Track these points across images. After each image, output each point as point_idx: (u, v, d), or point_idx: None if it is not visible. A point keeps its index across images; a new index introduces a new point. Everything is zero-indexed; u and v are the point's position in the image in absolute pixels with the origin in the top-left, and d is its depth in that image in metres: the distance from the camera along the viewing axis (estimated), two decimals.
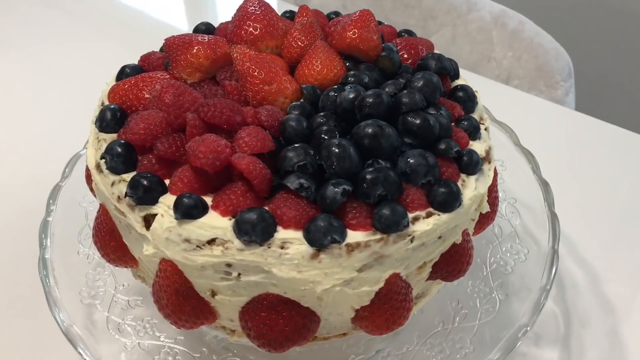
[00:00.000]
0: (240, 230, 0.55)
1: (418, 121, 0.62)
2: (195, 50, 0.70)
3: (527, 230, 0.81)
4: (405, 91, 0.64)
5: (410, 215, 0.58)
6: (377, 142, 0.59)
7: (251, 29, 0.74)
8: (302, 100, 0.68)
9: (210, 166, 0.57)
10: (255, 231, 0.55)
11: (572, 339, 0.79)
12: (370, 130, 0.60)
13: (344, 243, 0.55)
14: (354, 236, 0.56)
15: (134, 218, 0.60)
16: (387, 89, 0.67)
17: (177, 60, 0.71)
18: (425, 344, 0.68)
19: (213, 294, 0.60)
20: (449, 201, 0.59)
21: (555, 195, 0.78)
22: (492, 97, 1.08)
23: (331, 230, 0.55)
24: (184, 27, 1.52)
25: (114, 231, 0.65)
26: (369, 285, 0.58)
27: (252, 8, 0.76)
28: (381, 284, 0.58)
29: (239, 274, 0.57)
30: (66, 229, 0.77)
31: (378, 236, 0.56)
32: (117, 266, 0.68)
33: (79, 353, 0.65)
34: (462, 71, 1.16)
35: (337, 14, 0.86)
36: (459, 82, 0.76)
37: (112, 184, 0.62)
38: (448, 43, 1.37)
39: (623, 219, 0.96)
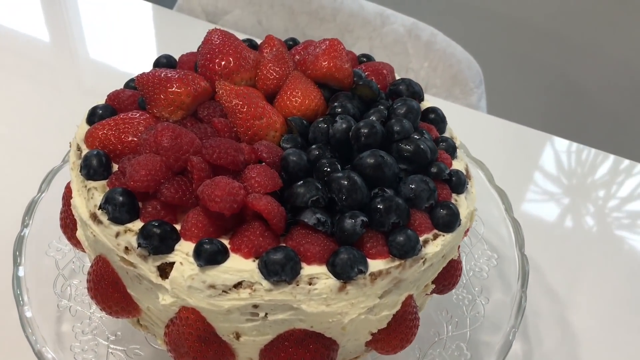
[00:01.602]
0: (269, 271, 0.56)
1: (412, 148, 0.65)
2: (175, 88, 0.69)
3: (491, 237, 0.87)
4: (393, 120, 0.68)
5: (421, 239, 0.61)
6: (380, 171, 0.62)
7: (224, 62, 0.74)
8: (290, 132, 0.70)
9: (228, 210, 0.57)
10: (284, 271, 0.56)
11: (528, 328, 0.87)
12: (372, 161, 0.62)
13: (368, 273, 0.58)
14: (374, 265, 0.59)
15: (148, 268, 0.58)
16: (374, 117, 0.70)
17: (156, 99, 0.69)
18: (427, 356, 0.72)
19: (237, 336, 0.60)
20: (452, 221, 0.63)
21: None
22: None
23: (356, 262, 0.57)
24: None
25: (118, 283, 0.63)
26: (388, 310, 0.61)
27: (218, 40, 0.76)
28: (398, 307, 0.62)
29: (266, 314, 0.58)
30: (39, 281, 0.72)
31: (397, 263, 0.59)
32: (117, 317, 0.65)
33: None
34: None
35: (294, 40, 0.88)
36: (426, 104, 0.80)
37: (117, 234, 0.59)
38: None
39: (541, 206, 1.07)
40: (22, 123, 1.14)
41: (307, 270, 0.57)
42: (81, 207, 0.64)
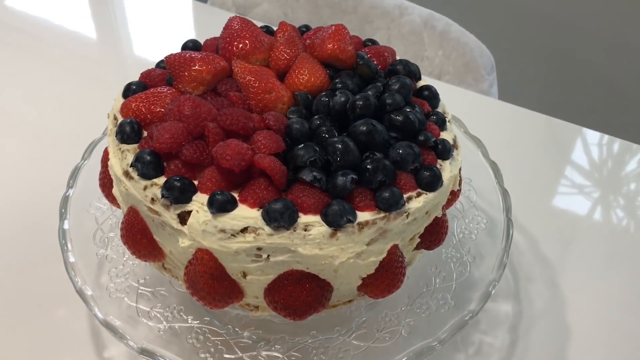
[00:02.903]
0: (270, 218, 0.65)
1: (401, 118, 0.74)
2: (197, 66, 0.79)
3: (483, 205, 0.96)
4: (387, 93, 0.77)
5: (405, 196, 0.70)
6: (371, 137, 0.72)
7: (242, 45, 0.84)
8: (296, 105, 0.79)
9: (237, 166, 0.67)
10: (283, 218, 0.65)
11: (520, 293, 0.95)
12: (365, 128, 0.72)
13: (356, 222, 0.67)
14: (362, 216, 0.68)
15: (170, 216, 0.69)
16: (370, 92, 0.79)
17: (181, 76, 0.80)
18: (414, 304, 0.81)
19: (244, 275, 0.70)
20: (434, 182, 0.72)
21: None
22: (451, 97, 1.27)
23: (345, 213, 0.66)
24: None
25: (145, 230, 0.74)
26: (375, 256, 0.70)
27: (237, 26, 0.86)
28: (384, 254, 0.71)
29: (268, 256, 0.68)
30: (81, 234, 0.84)
31: (382, 215, 0.68)
32: (146, 261, 0.76)
33: (124, 342, 0.73)
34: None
35: (307, 27, 0.97)
36: (421, 83, 0.89)
37: (145, 188, 0.70)
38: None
39: (548, 186, 1.14)
40: (68, 109, 1.28)
41: (304, 219, 0.67)
42: (116, 166, 0.74)
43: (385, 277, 0.72)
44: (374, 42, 0.95)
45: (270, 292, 0.71)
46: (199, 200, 0.68)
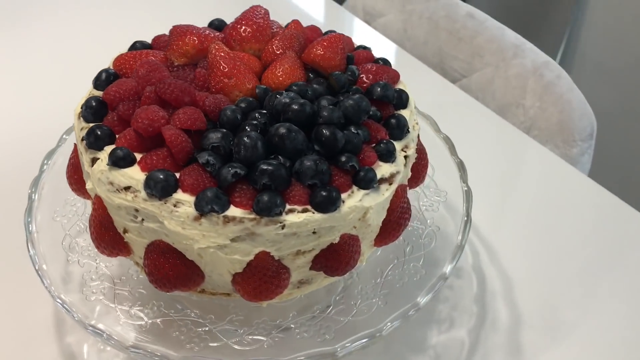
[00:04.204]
0: (147, 184, 0.69)
1: (327, 133, 0.72)
2: (187, 39, 0.85)
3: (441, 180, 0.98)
4: (330, 106, 0.75)
5: (288, 207, 0.69)
6: (282, 141, 0.71)
7: (241, 31, 0.87)
8: (252, 98, 0.80)
9: (144, 130, 0.71)
10: (156, 187, 0.68)
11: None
12: (280, 131, 0.71)
13: (222, 214, 0.67)
14: (233, 211, 0.68)
15: (85, 158, 0.75)
16: (322, 102, 0.78)
17: (172, 44, 0.85)
18: (388, 276, 0.85)
19: (125, 231, 0.74)
20: (324, 203, 0.69)
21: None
22: (514, 144, 1.25)
23: (213, 202, 0.67)
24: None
25: (78, 167, 0.81)
26: (240, 255, 0.70)
27: (252, 14, 0.89)
28: (251, 257, 0.70)
29: (143, 220, 0.71)
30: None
31: (252, 216, 0.68)
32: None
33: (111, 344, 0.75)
34: (490, 112, 1.25)
35: (332, 31, 0.97)
36: (405, 113, 0.84)
37: (81, 129, 0.78)
38: (486, 82, 1.42)
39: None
40: None
41: (180, 195, 0.69)
42: (79, 105, 0.82)
43: (252, 281, 0.71)
44: (385, 61, 0.92)
45: (145, 255, 0.74)
46: (107, 152, 0.73)
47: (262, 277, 0.71)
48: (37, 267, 0.80)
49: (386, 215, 0.78)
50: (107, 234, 0.75)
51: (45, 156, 0.95)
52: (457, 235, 0.85)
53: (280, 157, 0.71)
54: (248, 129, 0.73)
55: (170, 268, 0.72)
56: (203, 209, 0.67)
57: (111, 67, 0.87)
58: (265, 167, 0.68)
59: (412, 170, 0.85)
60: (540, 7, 2.03)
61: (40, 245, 0.83)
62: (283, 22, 0.96)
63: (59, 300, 0.76)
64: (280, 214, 0.68)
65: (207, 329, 0.81)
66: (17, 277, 0.91)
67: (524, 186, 1.16)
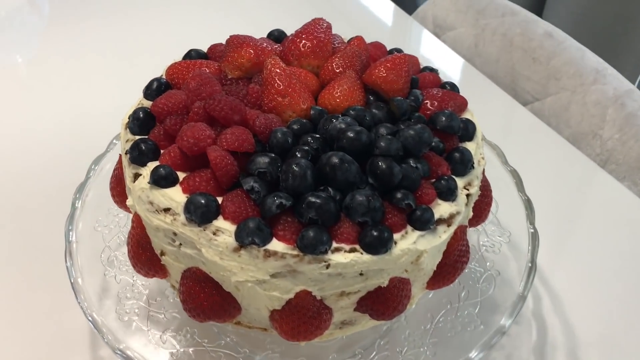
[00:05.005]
0: (187, 208, 0.64)
1: (383, 166, 0.66)
2: (242, 52, 0.80)
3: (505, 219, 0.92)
4: (388, 136, 0.69)
5: (335, 245, 0.63)
6: (334, 172, 0.65)
7: (300, 46, 0.82)
8: (306, 119, 0.75)
9: (188, 149, 0.67)
10: (196, 213, 0.64)
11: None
12: (332, 160, 0.65)
13: (263, 248, 0.63)
14: (275, 245, 0.63)
15: (128, 173, 0.72)
16: (381, 130, 0.72)
17: (228, 55, 0.81)
18: (439, 323, 0.80)
19: (162, 253, 0.70)
20: (375, 244, 0.63)
21: None
22: (587, 178, 1.17)
23: (255, 234, 0.62)
24: None
25: (121, 179, 0.78)
26: (279, 292, 0.65)
27: (313, 27, 0.84)
28: (291, 295, 0.65)
29: (180, 244, 0.67)
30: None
31: (295, 252, 0.62)
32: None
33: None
34: (562, 141, 1.15)
35: (398, 50, 0.91)
36: (470, 146, 0.77)
37: (127, 140, 0.74)
38: (561, 108, 1.33)
39: None
40: None
41: (220, 223, 0.64)
42: (126, 116, 0.79)
43: (291, 319, 0.66)
44: (453, 86, 0.85)
45: (181, 281, 0.70)
46: (150, 168, 0.70)
47: (301, 317, 0.66)
48: (72, 280, 0.77)
49: (442, 258, 0.72)
50: (144, 255, 0.72)
51: (93, 161, 0.93)
52: (519, 282, 0.77)
53: (330, 188, 0.66)
54: (298, 155, 0.68)
55: (205, 298, 0.67)
56: (243, 240, 0.62)
57: (164, 76, 0.83)
58: (313, 200, 0.63)
59: (473, 209, 0.78)
60: (622, 28, 1.90)
61: (78, 256, 0.80)
62: (349, 31, 0.90)
63: (90, 319, 0.73)
64: (325, 252, 0.63)
65: None
66: (56, 283, 0.89)
67: (596, 226, 1.06)
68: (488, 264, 0.84)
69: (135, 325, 0.77)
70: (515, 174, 0.91)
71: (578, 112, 1.29)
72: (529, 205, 0.86)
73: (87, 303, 0.76)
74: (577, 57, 1.35)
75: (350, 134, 0.68)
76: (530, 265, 0.78)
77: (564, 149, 1.23)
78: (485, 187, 0.80)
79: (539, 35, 1.41)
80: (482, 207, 0.80)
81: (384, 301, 0.68)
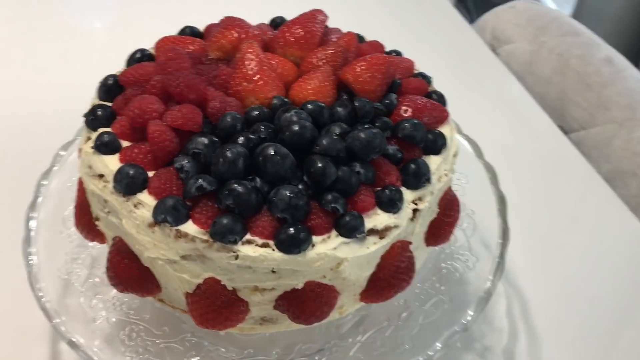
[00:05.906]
0: (115, 177, 0.65)
1: (318, 164, 0.63)
2: (226, 33, 0.79)
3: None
4: (332, 136, 0.66)
5: (248, 237, 0.61)
6: (264, 163, 0.63)
7: (287, 35, 0.80)
8: (265, 107, 0.73)
9: (132, 120, 0.68)
10: (121, 183, 0.64)
11: None
12: (265, 151, 0.63)
13: (175, 228, 0.62)
14: (188, 227, 0.62)
15: (83, 134, 0.73)
16: (333, 128, 0.69)
17: (213, 35, 0.81)
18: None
19: (96, 219, 0.71)
20: (287, 243, 0.60)
21: None
22: (614, 221, 1.08)
23: (169, 212, 0.61)
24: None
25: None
26: (188, 275, 0.63)
27: (307, 18, 0.82)
28: (200, 280, 0.63)
29: (109, 212, 0.67)
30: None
31: (205, 237, 0.61)
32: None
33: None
34: (598, 179, 1.08)
35: (397, 52, 0.87)
36: (435, 160, 0.72)
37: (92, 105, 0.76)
38: (604, 140, 1.22)
39: None
40: None
41: (142, 196, 0.64)
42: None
43: (200, 305, 0.65)
44: (440, 96, 0.80)
45: (109, 249, 0.70)
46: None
47: (210, 305, 0.64)
48: None
49: (375, 271, 0.68)
50: (84, 218, 0.73)
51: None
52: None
53: (259, 179, 0.64)
54: (239, 142, 0.66)
55: (124, 269, 0.67)
56: (157, 217, 0.62)
57: (152, 49, 0.84)
58: (233, 187, 0.61)
59: (431, 227, 0.73)
60: None
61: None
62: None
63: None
64: (235, 242, 0.61)
65: None
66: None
67: (618, 274, 0.97)
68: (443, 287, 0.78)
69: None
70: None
71: (621, 147, 1.19)
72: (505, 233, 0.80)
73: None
74: (633, 89, 1.23)
75: (294, 128, 0.66)
76: None
77: (597, 186, 1.13)
78: (449, 206, 0.75)
79: (597, 59, 1.30)
80: (441, 227, 0.74)
81: (299, 304, 0.65)
